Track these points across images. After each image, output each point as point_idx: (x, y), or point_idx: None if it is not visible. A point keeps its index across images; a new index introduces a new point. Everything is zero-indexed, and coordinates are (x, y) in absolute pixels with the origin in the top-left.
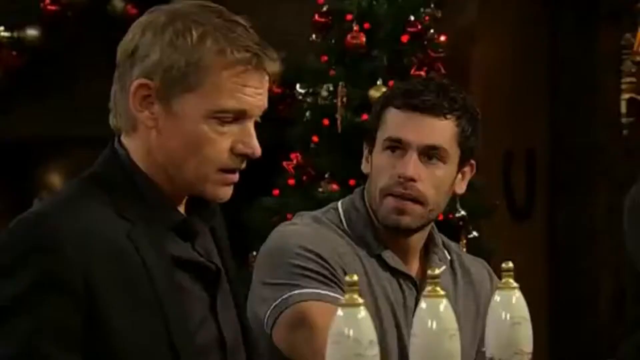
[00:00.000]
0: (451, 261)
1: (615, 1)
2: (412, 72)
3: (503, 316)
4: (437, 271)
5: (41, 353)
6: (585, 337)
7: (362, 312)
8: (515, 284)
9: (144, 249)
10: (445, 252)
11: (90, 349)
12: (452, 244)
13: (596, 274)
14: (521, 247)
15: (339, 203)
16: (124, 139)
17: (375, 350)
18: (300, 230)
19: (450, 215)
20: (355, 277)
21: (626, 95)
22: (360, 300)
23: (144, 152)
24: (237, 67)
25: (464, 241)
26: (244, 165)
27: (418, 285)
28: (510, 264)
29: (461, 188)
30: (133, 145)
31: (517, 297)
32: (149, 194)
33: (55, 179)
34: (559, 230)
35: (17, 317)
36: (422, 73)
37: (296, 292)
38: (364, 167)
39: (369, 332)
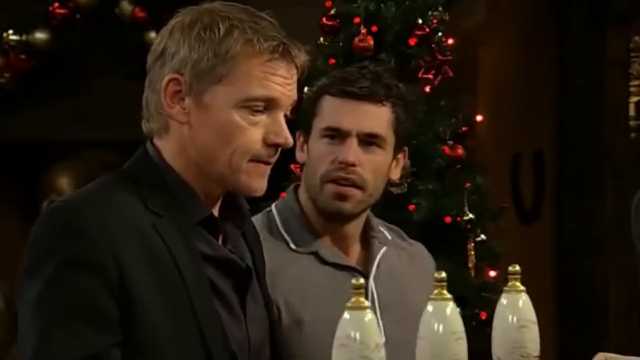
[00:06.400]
0: (393, 241)
1: (623, 4)
2: (419, 75)
3: (510, 319)
4: (443, 274)
5: (69, 329)
6: (593, 340)
7: (369, 315)
8: (522, 287)
9: (170, 241)
10: (385, 232)
11: (126, 331)
12: (393, 227)
13: (604, 277)
14: (529, 249)
15: (273, 206)
16: (156, 141)
17: (382, 353)
18: None
19: (458, 218)
20: (362, 280)
21: (634, 98)
22: (367, 304)
23: (176, 151)
24: (264, 55)
25: (472, 244)
26: (275, 158)
27: (362, 272)
28: (517, 267)
29: (396, 174)
30: (165, 146)
31: (524, 300)
32: (178, 191)
33: (64, 182)
34: (566, 233)
35: (45, 304)
36: (430, 76)
37: None
38: (299, 156)
39: (375, 335)
